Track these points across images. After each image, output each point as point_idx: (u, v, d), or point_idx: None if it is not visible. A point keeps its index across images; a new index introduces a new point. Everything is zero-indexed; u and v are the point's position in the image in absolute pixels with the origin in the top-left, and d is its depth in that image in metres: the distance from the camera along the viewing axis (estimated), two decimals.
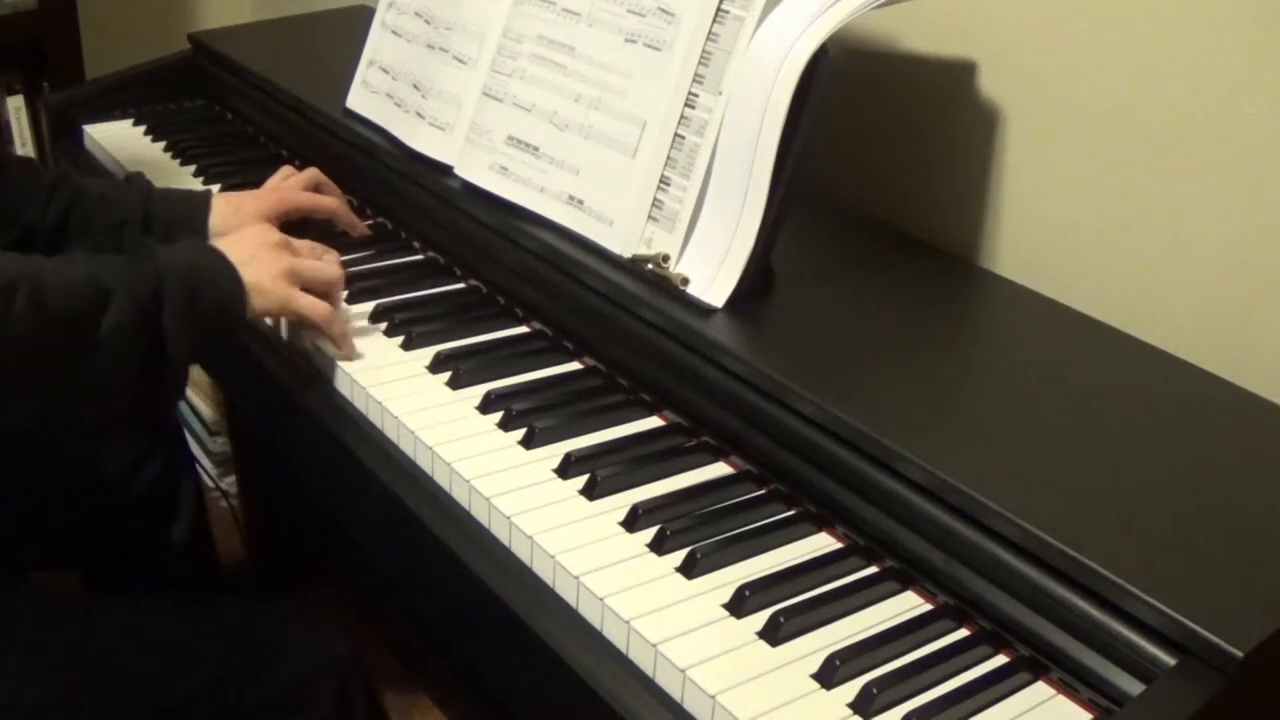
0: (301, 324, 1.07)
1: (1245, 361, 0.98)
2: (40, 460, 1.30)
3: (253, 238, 1.06)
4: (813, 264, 1.10)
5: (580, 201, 1.09)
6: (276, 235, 1.08)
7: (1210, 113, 0.99)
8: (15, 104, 1.96)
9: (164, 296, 0.94)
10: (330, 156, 1.38)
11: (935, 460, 0.81)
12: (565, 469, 0.92)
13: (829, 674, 0.74)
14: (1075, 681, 0.75)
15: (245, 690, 1.07)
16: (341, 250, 1.21)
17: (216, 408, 2.16)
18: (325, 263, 1.09)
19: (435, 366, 1.04)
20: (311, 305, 1.04)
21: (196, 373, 2.10)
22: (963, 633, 0.80)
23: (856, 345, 0.98)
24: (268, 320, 1.10)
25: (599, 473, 0.90)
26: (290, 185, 1.26)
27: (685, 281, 1.01)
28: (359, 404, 1.02)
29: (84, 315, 0.90)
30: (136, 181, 1.24)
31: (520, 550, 0.86)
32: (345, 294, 1.13)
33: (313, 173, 1.28)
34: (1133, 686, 0.72)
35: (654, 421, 1.00)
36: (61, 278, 0.90)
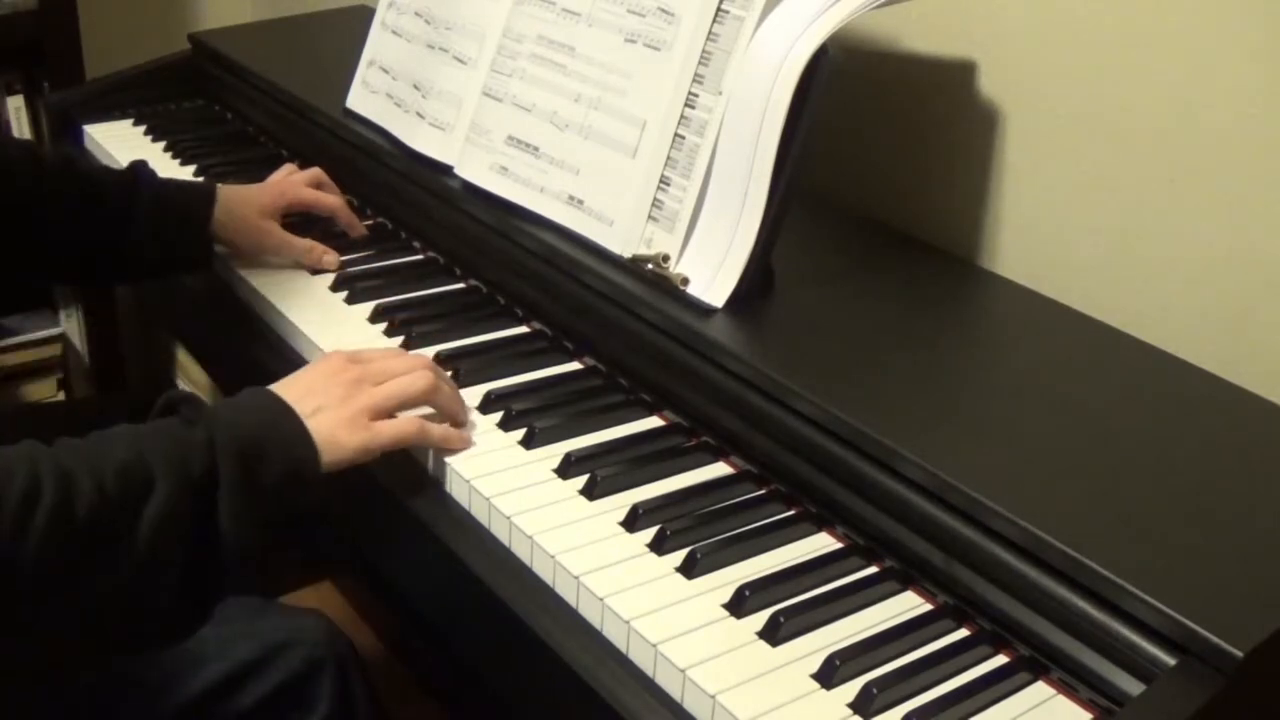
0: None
1: (1245, 361, 0.98)
2: None
3: (322, 378, 0.90)
4: (813, 264, 1.10)
5: (580, 201, 1.09)
6: (343, 367, 0.91)
7: (1210, 113, 0.99)
8: (15, 104, 1.96)
9: (219, 476, 0.78)
10: (330, 157, 1.38)
11: (935, 460, 0.81)
12: (565, 469, 0.92)
13: (829, 674, 0.74)
14: (1075, 681, 0.75)
15: (246, 690, 1.06)
16: (341, 251, 1.22)
17: None
18: (408, 373, 0.93)
19: None
20: (397, 431, 0.89)
21: (196, 372, 2.10)
22: (963, 633, 0.80)
23: (856, 345, 0.98)
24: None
25: (599, 473, 0.90)
26: (293, 181, 1.27)
27: (685, 281, 1.01)
28: None
29: (120, 510, 0.74)
30: (140, 171, 1.24)
31: (520, 550, 0.86)
32: (450, 375, 1.00)
33: (315, 171, 1.29)
34: (1133, 686, 0.72)
35: (654, 421, 1.00)
36: (95, 469, 0.74)
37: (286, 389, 0.88)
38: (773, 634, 0.77)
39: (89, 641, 0.78)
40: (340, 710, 1.10)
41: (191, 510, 0.77)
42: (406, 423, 0.91)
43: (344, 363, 0.92)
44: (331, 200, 1.26)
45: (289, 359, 1.10)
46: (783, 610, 0.79)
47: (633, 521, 0.87)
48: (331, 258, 1.20)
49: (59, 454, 0.76)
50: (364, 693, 1.13)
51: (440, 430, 0.93)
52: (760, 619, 0.79)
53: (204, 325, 1.32)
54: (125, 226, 1.17)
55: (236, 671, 1.06)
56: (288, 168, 1.31)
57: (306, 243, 1.20)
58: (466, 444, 0.94)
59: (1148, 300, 1.05)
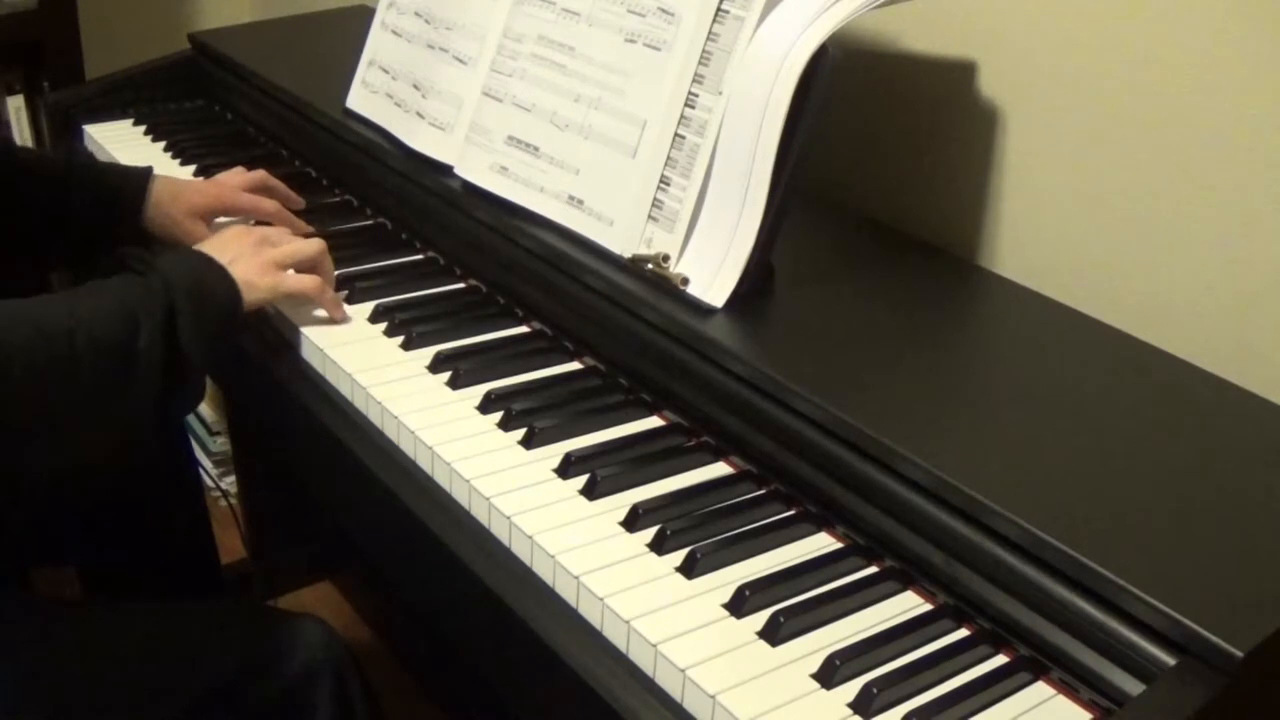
0: (298, 301, 1.11)
1: (1245, 361, 0.98)
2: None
3: (230, 239, 1.10)
4: (813, 264, 1.10)
5: (580, 201, 1.09)
6: (247, 231, 1.12)
7: (1210, 113, 0.99)
8: (15, 104, 1.96)
9: (176, 311, 0.99)
10: (330, 156, 1.38)
11: (935, 460, 0.81)
12: (565, 469, 0.92)
13: (829, 674, 0.74)
14: (1075, 681, 0.75)
15: (245, 693, 1.06)
16: (340, 251, 1.21)
17: (216, 408, 2.17)
18: (304, 241, 1.13)
19: (435, 366, 1.05)
20: (300, 282, 1.09)
21: None
22: (963, 633, 0.80)
23: (856, 345, 0.97)
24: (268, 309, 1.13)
25: (599, 473, 0.90)
26: (232, 185, 1.29)
27: (685, 281, 1.01)
28: (359, 404, 1.02)
29: (125, 344, 0.96)
30: (79, 154, 1.30)
31: (520, 550, 0.86)
32: (334, 260, 1.16)
33: (260, 174, 1.31)
34: (1133, 686, 0.72)
35: (654, 421, 1.00)
36: (99, 312, 0.95)
37: (206, 246, 1.08)
38: (773, 634, 0.77)
39: (108, 440, 1.00)
40: (338, 712, 1.10)
41: (163, 339, 0.98)
42: (310, 278, 1.10)
43: (247, 228, 1.13)
44: (266, 205, 1.27)
45: (289, 359, 1.11)
46: (783, 610, 0.79)
47: (633, 521, 0.87)
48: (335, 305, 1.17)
49: (70, 304, 0.95)
50: (363, 702, 1.13)
51: (334, 295, 1.12)
52: (760, 619, 0.79)
53: None
54: (66, 215, 1.23)
55: (236, 673, 1.06)
56: (238, 169, 1.32)
57: (278, 231, 1.20)
58: (346, 318, 1.13)
59: (1148, 300, 1.05)
